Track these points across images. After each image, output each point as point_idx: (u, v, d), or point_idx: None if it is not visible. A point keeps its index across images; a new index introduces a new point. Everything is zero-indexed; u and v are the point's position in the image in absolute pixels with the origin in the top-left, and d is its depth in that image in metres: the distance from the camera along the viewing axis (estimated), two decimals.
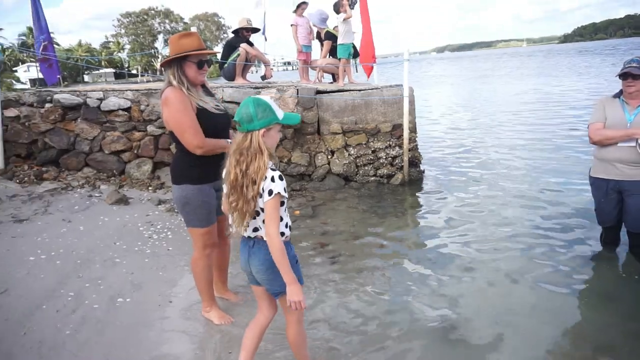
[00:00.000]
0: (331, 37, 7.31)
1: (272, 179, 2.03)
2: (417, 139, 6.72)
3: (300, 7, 7.40)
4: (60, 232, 4.44)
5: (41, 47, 7.30)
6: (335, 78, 7.71)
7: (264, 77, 7.59)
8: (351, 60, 7.36)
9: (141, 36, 68.61)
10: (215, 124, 2.80)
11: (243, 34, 7.09)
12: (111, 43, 70.92)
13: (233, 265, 3.49)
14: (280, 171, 2.14)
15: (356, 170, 6.54)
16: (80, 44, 65.34)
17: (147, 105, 6.28)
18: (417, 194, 6.13)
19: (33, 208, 4.99)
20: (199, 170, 2.78)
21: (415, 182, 6.53)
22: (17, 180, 5.75)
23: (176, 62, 2.71)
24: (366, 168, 6.53)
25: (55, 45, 9.19)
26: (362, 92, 6.55)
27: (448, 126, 11.63)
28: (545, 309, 3.19)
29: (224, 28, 76.20)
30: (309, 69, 7.88)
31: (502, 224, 4.79)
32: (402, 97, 6.38)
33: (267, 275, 2.16)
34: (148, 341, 2.85)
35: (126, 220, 4.87)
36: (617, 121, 3.60)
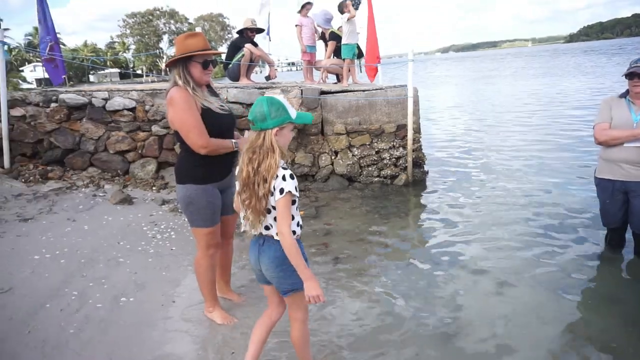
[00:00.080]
0: (335, 37, 7.32)
1: (284, 178, 2.04)
2: (421, 139, 6.71)
3: (304, 8, 7.41)
4: (65, 232, 4.45)
5: (48, 48, 7.35)
6: (339, 78, 7.71)
7: (268, 78, 7.60)
8: (355, 60, 7.35)
9: (146, 36, 68.90)
10: (220, 124, 2.81)
11: (247, 35, 7.10)
12: (116, 43, 71.24)
13: (236, 265, 3.49)
14: None
15: (360, 170, 6.53)
16: (85, 44, 65.63)
17: (152, 106, 6.30)
18: (420, 195, 6.11)
19: (38, 207, 5.01)
20: (204, 170, 2.79)
21: (419, 182, 6.52)
22: (23, 180, 5.78)
23: (182, 62, 2.72)
24: (370, 169, 6.52)
25: (61, 46, 9.24)
26: (366, 92, 6.54)
27: (452, 126, 11.60)
28: (549, 311, 3.18)
29: (228, 28, 76.51)
30: (313, 69, 7.88)
31: (506, 225, 4.77)
32: (407, 97, 6.36)
33: (277, 273, 2.17)
34: (151, 341, 2.86)
35: (130, 220, 4.89)
36: (624, 121, 3.57)
